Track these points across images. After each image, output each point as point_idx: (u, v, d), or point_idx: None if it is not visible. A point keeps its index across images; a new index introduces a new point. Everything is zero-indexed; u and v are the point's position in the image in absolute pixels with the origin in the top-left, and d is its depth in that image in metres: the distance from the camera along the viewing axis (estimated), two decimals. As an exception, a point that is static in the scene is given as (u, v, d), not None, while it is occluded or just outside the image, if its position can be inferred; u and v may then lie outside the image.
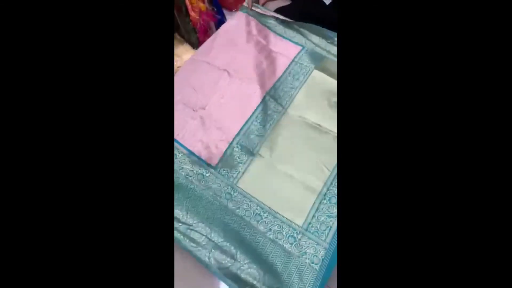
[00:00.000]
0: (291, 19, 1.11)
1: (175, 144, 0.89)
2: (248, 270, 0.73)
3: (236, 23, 1.08)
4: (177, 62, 1.13)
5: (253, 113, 0.94)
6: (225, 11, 1.22)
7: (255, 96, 0.96)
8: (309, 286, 0.72)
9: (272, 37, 1.06)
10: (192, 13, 1.07)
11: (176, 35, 1.20)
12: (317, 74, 1.00)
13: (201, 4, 1.08)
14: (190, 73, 1.01)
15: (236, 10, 1.23)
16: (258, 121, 0.93)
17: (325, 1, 1.08)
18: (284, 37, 1.06)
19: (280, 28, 1.08)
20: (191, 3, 1.05)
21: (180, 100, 0.95)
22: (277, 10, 1.19)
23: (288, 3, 1.24)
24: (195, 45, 1.19)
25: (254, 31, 1.07)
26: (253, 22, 1.08)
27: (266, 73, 1.00)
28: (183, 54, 1.15)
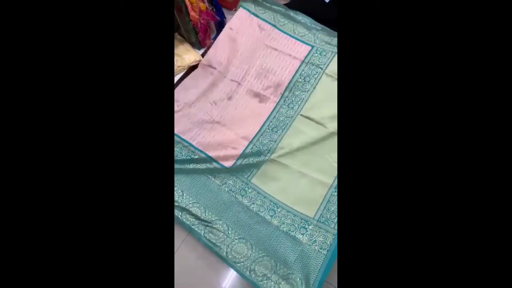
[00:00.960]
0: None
1: (193, 149, 0.96)
2: (262, 263, 0.78)
3: (243, 24, 1.10)
4: (177, 62, 1.13)
5: (266, 120, 1.00)
6: (224, 11, 1.22)
7: (268, 104, 1.02)
8: (316, 270, 0.77)
9: (281, 38, 1.07)
10: (192, 13, 1.07)
11: (176, 35, 1.20)
12: (327, 76, 1.02)
13: (201, 4, 1.09)
14: (208, 86, 1.07)
15: (236, 10, 1.23)
16: (271, 127, 0.99)
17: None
18: (292, 36, 1.07)
19: (289, 26, 1.09)
20: (191, 3, 1.05)
21: (199, 111, 1.02)
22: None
23: (287, 2, 1.24)
24: (195, 44, 1.20)
25: (264, 34, 1.08)
26: (264, 25, 1.10)
27: (278, 80, 1.04)
28: (183, 53, 1.16)
